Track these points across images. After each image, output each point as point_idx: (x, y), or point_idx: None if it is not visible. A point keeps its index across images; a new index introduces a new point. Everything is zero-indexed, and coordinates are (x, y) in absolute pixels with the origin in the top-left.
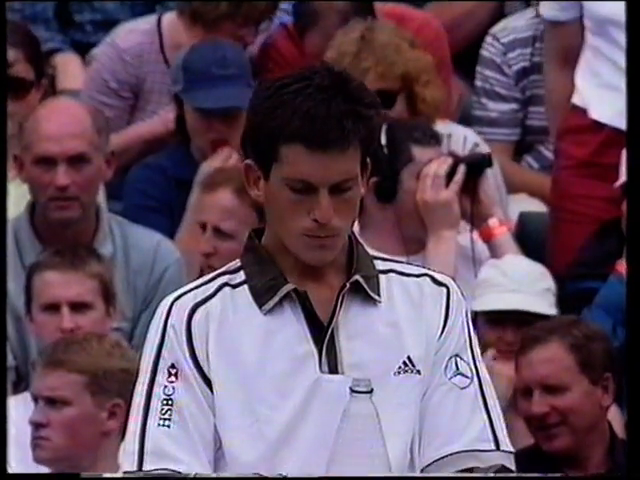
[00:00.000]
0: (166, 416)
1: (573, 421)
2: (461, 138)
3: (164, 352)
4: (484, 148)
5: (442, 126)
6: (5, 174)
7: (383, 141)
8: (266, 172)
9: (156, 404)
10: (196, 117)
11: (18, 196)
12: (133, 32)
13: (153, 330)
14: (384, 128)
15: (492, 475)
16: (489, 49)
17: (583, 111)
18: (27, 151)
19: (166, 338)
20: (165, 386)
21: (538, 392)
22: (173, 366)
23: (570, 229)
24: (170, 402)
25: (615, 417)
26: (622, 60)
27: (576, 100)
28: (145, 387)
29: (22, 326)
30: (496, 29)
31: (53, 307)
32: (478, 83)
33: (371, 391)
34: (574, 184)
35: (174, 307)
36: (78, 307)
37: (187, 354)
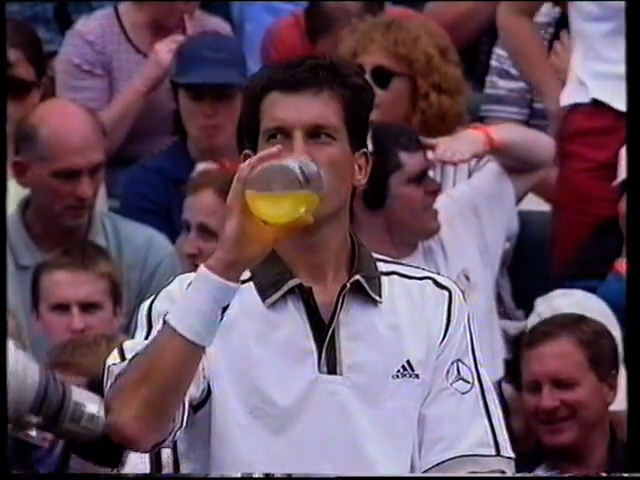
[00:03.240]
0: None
1: (582, 416)
2: None
3: (157, 304)
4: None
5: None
6: (5, 174)
7: (370, 148)
8: (256, 146)
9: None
10: (188, 100)
11: (17, 194)
12: (92, 18)
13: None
14: (369, 134)
15: (491, 475)
16: None
17: (599, 112)
18: (43, 162)
19: (164, 293)
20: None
21: (548, 387)
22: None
23: (586, 231)
24: None
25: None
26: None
27: (587, 97)
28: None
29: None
30: None
31: (62, 307)
32: (493, 63)
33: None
34: (594, 187)
35: (177, 279)
36: (87, 307)
37: None
